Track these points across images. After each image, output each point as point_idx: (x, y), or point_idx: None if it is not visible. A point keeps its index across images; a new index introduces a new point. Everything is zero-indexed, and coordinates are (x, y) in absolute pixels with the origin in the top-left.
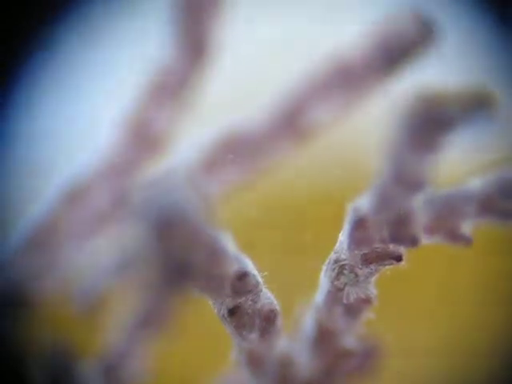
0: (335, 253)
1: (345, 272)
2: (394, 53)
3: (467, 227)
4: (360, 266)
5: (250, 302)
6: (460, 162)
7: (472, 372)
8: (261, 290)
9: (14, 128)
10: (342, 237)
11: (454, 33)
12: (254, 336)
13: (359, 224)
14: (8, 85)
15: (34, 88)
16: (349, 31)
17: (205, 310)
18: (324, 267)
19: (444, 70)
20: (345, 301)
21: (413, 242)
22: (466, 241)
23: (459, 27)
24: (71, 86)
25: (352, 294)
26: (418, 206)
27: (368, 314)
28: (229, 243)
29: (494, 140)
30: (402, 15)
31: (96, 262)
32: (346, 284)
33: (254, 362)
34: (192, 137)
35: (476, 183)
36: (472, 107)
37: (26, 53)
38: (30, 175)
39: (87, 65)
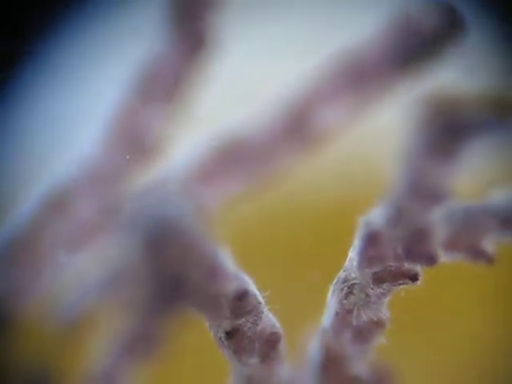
0: (344, 271)
1: (355, 292)
2: (411, 51)
3: (489, 244)
4: (371, 286)
5: (250, 324)
6: (482, 173)
7: None
8: (262, 311)
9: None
10: (352, 253)
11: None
12: (254, 362)
13: (371, 239)
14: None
15: (23, 87)
16: (360, 27)
17: (200, 333)
18: (332, 286)
19: (463, 72)
20: (355, 323)
21: (430, 259)
22: (488, 258)
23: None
24: (59, 86)
25: (363, 316)
26: (437, 220)
27: (380, 339)
28: (227, 259)
29: None
30: (422, 8)
31: (81, 277)
32: (356, 305)
33: None
34: (187, 142)
35: (499, 196)
36: (494, 113)
37: (19, 50)
38: (9, 182)
39: (76, 63)
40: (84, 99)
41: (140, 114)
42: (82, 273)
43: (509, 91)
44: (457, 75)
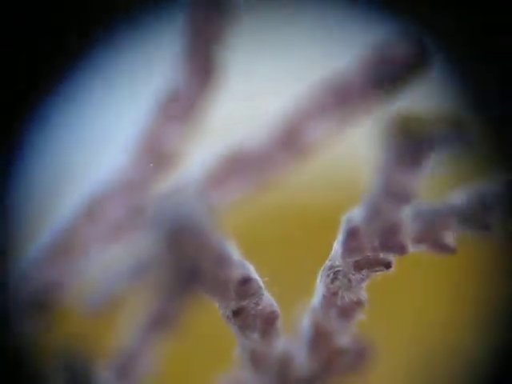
0: (330, 260)
1: (339, 277)
2: (385, 78)
3: (450, 237)
4: (353, 272)
5: (252, 305)
6: (442, 177)
7: (458, 369)
8: (262, 294)
9: (36, 145)
10: (337, 245)
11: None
12: (256, 335)
13: (352, 234)
14: (30, 106)
15: (55, 107)
16: (343, 58)
17: (211, 312)
18: (320, 273)
19: (426, 95)
20: (339, 303)
21: (401, 250)
22: (450, 250)
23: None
24: (93, 107)
25: (345, 297)
26: (406, 217)
27: (360, 316)
28: (233, 251)
29: (471, 157)
30: (394, 42)
31: (113, 267)
32: (340, 288)
33: (256, 359)
34: (200, 155)
35: (458, 197)
36: (451, 129)
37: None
38: (52, 189)
39: (104, 87)
40: (117, 119)
41: (162, 131)
42: (113, 263)
43: (463, 112)
44: (421, 98)
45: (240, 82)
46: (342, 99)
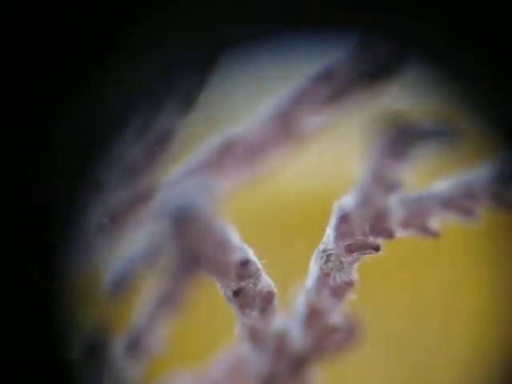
0: (323, 244)
1: (331, 259)
2: (371, 76)
3: (434, 222)
4: (344, 255)
5: (251, 285)
6: (427, 168)
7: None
8: (260, 275)
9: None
10: (329, 230)
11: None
12: (254, 314)
13: (343, 219)
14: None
15: None
16: (333, 57)
17: (214, 292)
18: (314, 256)
19: (411, 93)
20: (331, 284)
21: (389, 234)
22: (433, 234)
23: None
24: None
25: (337, 278)
26: (393, 204)
27: (351, 296)
28: (233, 235)
29: (454, 150)
30: (377, 46)
31: (126, 251)
32: (332, 270)
33: (255, 335)
34: (201, 145)
35: (441, 186)
36: (436, 125)
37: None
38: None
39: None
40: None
41: (167, 123)
42: (126, 248)
43: (445, 107)
44: (407, 95)
45: (240, 75)
46: (332, 94)
